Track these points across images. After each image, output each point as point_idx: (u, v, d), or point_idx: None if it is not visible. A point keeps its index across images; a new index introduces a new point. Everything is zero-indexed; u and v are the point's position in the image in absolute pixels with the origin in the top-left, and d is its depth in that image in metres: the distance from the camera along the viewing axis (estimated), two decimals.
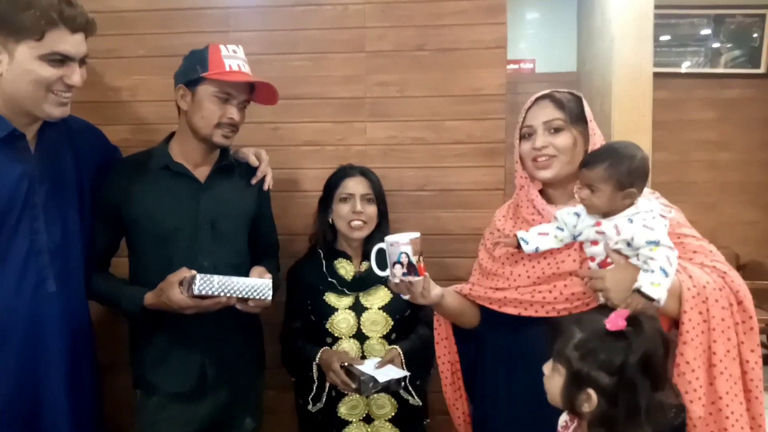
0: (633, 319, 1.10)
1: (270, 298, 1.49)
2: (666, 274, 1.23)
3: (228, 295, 1.45)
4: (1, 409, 1.37)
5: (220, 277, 1.44)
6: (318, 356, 1.65)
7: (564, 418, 1.27)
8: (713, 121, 4.17)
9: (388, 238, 1.39)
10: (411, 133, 2.03)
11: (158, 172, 1.60)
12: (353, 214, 1.72)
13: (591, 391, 1.08)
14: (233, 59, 1.57)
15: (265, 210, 1.78)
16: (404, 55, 2.02)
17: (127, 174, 1.60)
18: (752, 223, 4.17)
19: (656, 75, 3.16)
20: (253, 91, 1.64)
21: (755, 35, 4.13)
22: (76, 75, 1.37)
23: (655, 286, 1.23)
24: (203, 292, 1.42)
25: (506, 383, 1.49)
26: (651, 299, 1.23)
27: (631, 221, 1.29)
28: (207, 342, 1.57)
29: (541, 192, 1.50)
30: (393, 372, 1.59)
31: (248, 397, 1.71)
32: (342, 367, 1.60)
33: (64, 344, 1.47)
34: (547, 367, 1.19)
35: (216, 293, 1.43)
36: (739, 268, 4.03)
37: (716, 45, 4.17)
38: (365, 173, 1.78)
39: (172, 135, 1.67)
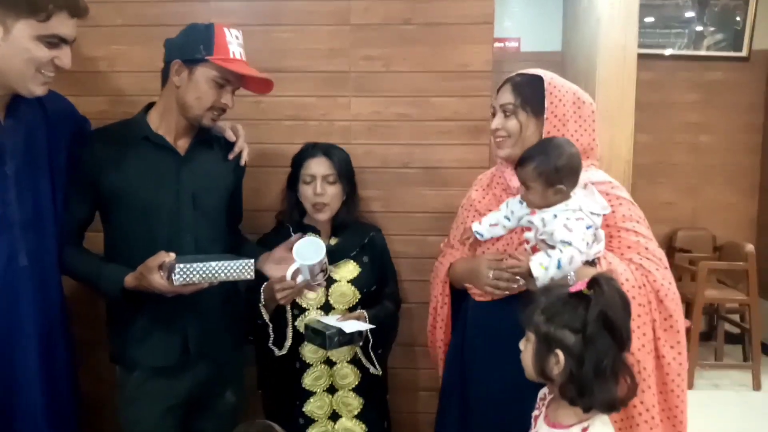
0: (593, 281, 1.15)
1: (252, 276, 1.47)
2: (559, 266, 1.32)
3: (209, 281, 1.43)
4: None
5: (200, 264, 1.41)
6: (261, 297, 1.66)
7: (544, 390, 1.31)
8: (696, 103, 4.20)
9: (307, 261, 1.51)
10: (396, 109, 2.01)
11: (138, 142, 1.56)
12: (315, 196, 1.73)
13: (558, 352, 1.13)
14: (235, 46, 1.55)
15: (240, 183, 1.77)
16: (391, 28, 1.99)
17: (105, 145, 1.56)
18: (732, 206, 4.23)
19: (640, 56, 3.16)
20: (246, 77, 1.60)
21: (738, 18, 4.14)
22: (67, 58, 1.35)
23: (542, 267, 1.33)
24: (184, 282, 1.39)
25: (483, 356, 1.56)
26: (530, 274, 1.33)
27: (555, 217, 1.37)
28: (188, 316, 1.56)
29: None
30: (357, 325, 1.63)
31: (229, 371, 1.70)
32: (306, 326, 1.64)
33: (37, 319, 1.44)
34: (522, 343, 1.23)
35: (196, 281, 1.41)
36: (716, 249, 4.10)
37: (700, 28, 4.18)
38: (328, 153, 1.76)
39: (149, 106, 1.63)
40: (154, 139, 1.56)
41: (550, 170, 1.36)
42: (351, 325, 1.61)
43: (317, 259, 1.49)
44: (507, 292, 1.45)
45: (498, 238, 1.54)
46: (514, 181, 1.52)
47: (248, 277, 1.46)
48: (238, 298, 1.71)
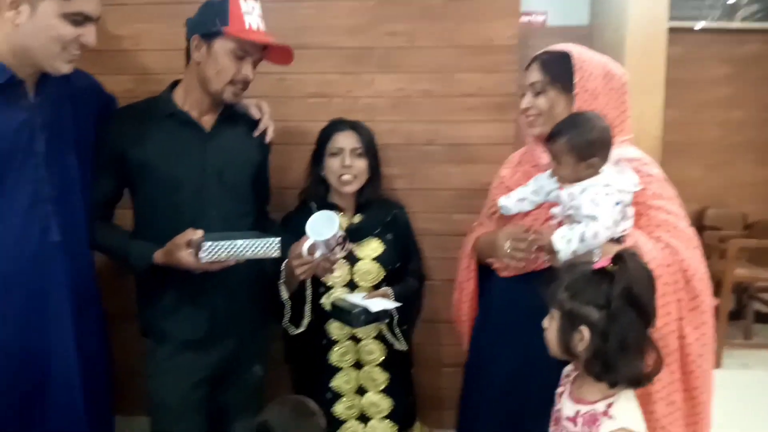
0: (617, 257, 1.15)
1: (278, 254, 1.49)
2: (582, 240, 1.31)
3: (236, 258, 1.45)
4: (11, 353, 1.39)
5: (226, 242, 1.43)
6: (282, 274, 1.66)
7: (569, 367, 1.31)
8: (727, 77, 4.06)
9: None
10: (420, 85, 1.99)
11: (164, 119, 1.57)
12: (343, 168, 1.73)
13: (583, 328, 1.13)
14: (252, 17, 1.54)
15: (266, 161, 1.77)
16: (414, 3, 1.96)
17: (132, 120, 1.58)
18: (764, 183, 4.11)
19: (670, 30, 3.07)
20: (266, 49, 1.60)
21: None
22: (92, 36, 1.37)
23: (565, 240, 1.32)
24: (211, 259, 1.42)
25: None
26: (552, 248, 1.32)
27: (584, 191, 1.35)
28: (216, 290, 1.58)
29: None
30: (383, 303, 1.64)
31: (256, 345, 1.74)
32: (332, 304, 1.66)
33: (69, 292, 1.47)
34: (546, 320, 1.23)
35: (223, 258, 1.43)
36: (747, 227, 4.00)
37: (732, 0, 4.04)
38: (356, 127, 1.77)
39: (175, 83, 1.64)
40: (180, 115, 1.57)
41: (582, 144, 1.34)
42: (377, 304, 1.62)
43: (330, 234, 1.48)
44: (523, 264, 1.45)
45: (525, 214, 1.53)
46: (544, 159, 1.50)
47: (275, 255, 1.48)
48: (265, 274, 1.72)
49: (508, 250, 1.44)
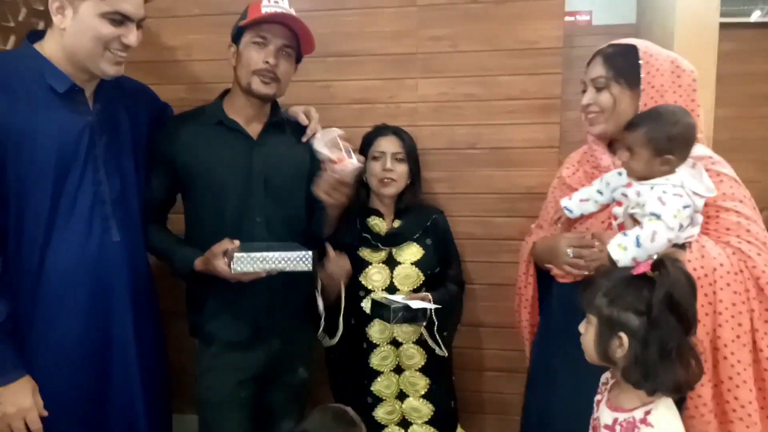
0: (658, 262, 1.12)
1: (310, 268, 1.49)
2: (638, 244, 1.25)
3: (267, 270, 1.47)
4: (76, 347, 1.46)
5: (257, 254, 1.45)
6: (318, 283, 1.72)
7: (606, 375, 1.29)
8: None
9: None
10: (463, 89, 2.00)
11: (212, 127, 1.62)
12: (383, 171, 1.75)
13: (622, 334, 1.11)
14: (272, 7, 1.56)
15: (317, 167, 1.77)
16: (457, 7, 1.96)
17: (182, 127, 1.63)
18: None
19: (722, 26, 2.97)
20: (298, 41, 1.62)
21: None
22: (132, 35, 1.41)
23: (621, 249, 1.27)
24: (242, 270, 1.45)
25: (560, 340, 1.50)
26: (611, 259, 1.26)
27: (652, 188, 1.29)
28: (259, 293, 1.60)
29: (612, 143, 1.51)
30: (423, 303, 1.65)
31: (300, 347, 1.77)
32: (372, 300, 1.68)
33: (129, 290, 1.54)
34: (582, 325, 1.21)
35: (254, 270, 1.46)
36: None
37: None
38: (398, 133, 1.80)
39: (226, 92, 1.69)
40: (228, 123, 1.62)
41: (661, 137, 1.27)
42: (416, 303, 1.64)
43: (328, 137, 1.48)
44: (587, 272, 1.38)
45: (588, 217, 1.47)
46: (605, 160, 1.46)
47: (306, 269, 1.48)
48: (309, 278, 1.74)
49: (571, 258, 1.39)
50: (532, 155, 1.98)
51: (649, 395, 1.13)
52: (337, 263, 1.69)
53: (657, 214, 1.26)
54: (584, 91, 1.46)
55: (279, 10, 1.56)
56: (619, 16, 3.68)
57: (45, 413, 1.39)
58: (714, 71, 2.91)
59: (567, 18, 3.61)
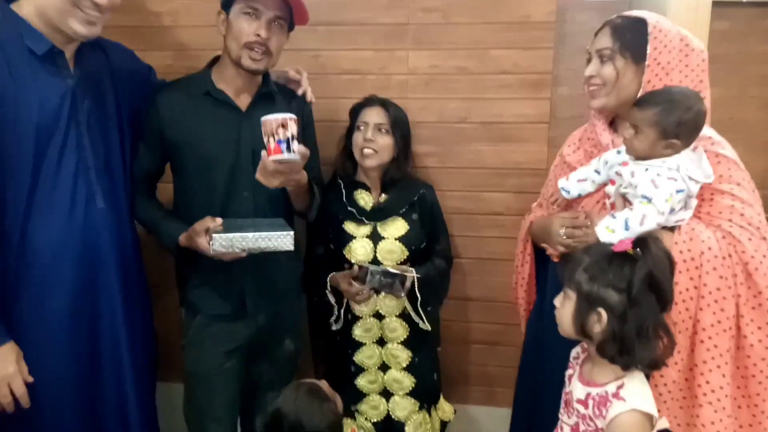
0: (639, 241, 1.13)
1: (292, 248, 1.48)
2: (627, 227, 1.25)
3: (248, 250, 1.47)
4: (64, 315, 1.45)
5: (238, 234, 1.44)
6: (328, 282, 1.75)
7: (577, 350, 1.31)
8: None
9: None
10: (454, 62, 1.97)
11: (200, 97, 1.59)
12: (364, 141, 1.74)
13: (601, 310, 1.12)
14: None
15: (309, 138, 1.75)
16: None
17: (169, 98, 1.61)
18: None
19: (715, 4, 2.94)
20: (290, 11, 1.58)
21: None
22: None
23: (609, 231, 1.27)
24: (222, 250, 1.44)
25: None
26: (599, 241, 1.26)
27: (647, 170, 1.28)
28: (246, 268, 1.60)
29: (613, 121, 1.49)
30: (404, 269, 1.67)
31: (287, 320, 1.77)
32: (357, 265, 1.69)
33: (115, 259, 1.53)
34: (558, 299, 1.22)
35: (233, 251, 1.45)
36: None
37: None
38: (385, 104, 1.78)
39: (215, 60, 1.65)
40: (216, 94, 1.59)
41: (671, 122, 1.25)
42: (396, 269, 1.66)
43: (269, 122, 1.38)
44: None
45: (585, 196, 1.46)
46: (605, 138, 1.43)
47: (288, 248, 1.48)
48: (296, 252, 1.74)
49: (564, 238, 1.39)
50: (523, 130, 1.97)
51: (624, 370, 1.15)
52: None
53: (648, 198, 1.24)
54: (589, 61, 1.41)
55: None
56: None
57: (30, 379, 1.39)
58: (706, 51, 2.90)
59: None
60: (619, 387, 1.15)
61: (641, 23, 1.35)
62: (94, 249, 1.49)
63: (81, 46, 1.45)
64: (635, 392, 1.14)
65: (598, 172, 1.41)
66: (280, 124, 1.36)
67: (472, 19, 1.94)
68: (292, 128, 1.37)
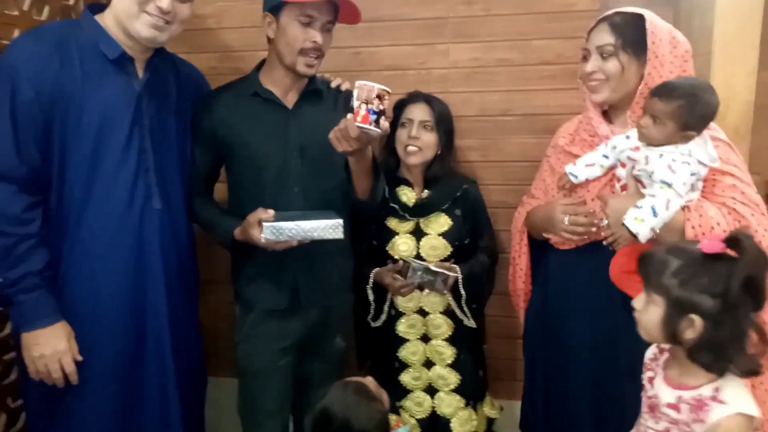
0: (732, 240, 1.08)
1: (341, 236, 1.50)
2: (655, 214, 1.27)
3: (298, 239, 1.49)
4: (112, 307, 1.51)
5: (289, 223, 1.46)
6: (371, 278, 1.76)
7: (653, 350, 1.26)
8: None
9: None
10: (496, 55, 1.96)
11: (249, 98, 1.63)
12: (408, 138, 1.73)
13: (694, 316, 1.07)
14: None
15: None
16: None
17: (219, 101, 1.65)
18: None
19: None
20: (337, 12, 1.60)
21: None
22: (166, 2, 1.42)
23: (638, 221, 1.28)
24: (273, 240, 1.47)
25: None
26: (631, 233, 1.28)
27: (661, 156, 1.31)
28: (299, 263, 1.63)
29: (605, 112, 1.54)
30: (447, 267, 1.66)
31: (339, 317, 1.79)
32: (401, 259, 1.70)
33: (165, 258, 1.58)
34: (639, 301, 1.17)
35: (285, 239, 1.47)
36: None
37: None
38: (429, 101, 1.77)
39: (263, 62, 1.68)
40: (263, 94, 1.62)
41: (694, 115, 1.31)
42: (439, 267, 1.66)
43: (366, 89, 1.38)
44: (586, 238, 1.43)
45: (584, 184, 1.50)
46: (603, 129, 1.48)
47: (338, 237, 1.49)
48: (348, 249, 1.77)
49: (567, 225, 1.43)
50: (567, 121, 1.93)
51: (719, 376, 1.10)
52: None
53: (668, 183, 1.29)
54: (584, 58, 1.48)
55: None
56: None
57: (79, 358, 1.47)
58: (759, 31, 2.78)
59: None
60: (716, 390, 1.09)
61: (638, 19, 1.42)
62: (147, 247, 1.54)
63: (153, 56, 1.53)
64: (737, 395, 1.08)
65: (606, 156, 1.45)
66: (377, 94, 1.37)
67: (513, 10, 1.92)
68: (386, 103, 1.40)
